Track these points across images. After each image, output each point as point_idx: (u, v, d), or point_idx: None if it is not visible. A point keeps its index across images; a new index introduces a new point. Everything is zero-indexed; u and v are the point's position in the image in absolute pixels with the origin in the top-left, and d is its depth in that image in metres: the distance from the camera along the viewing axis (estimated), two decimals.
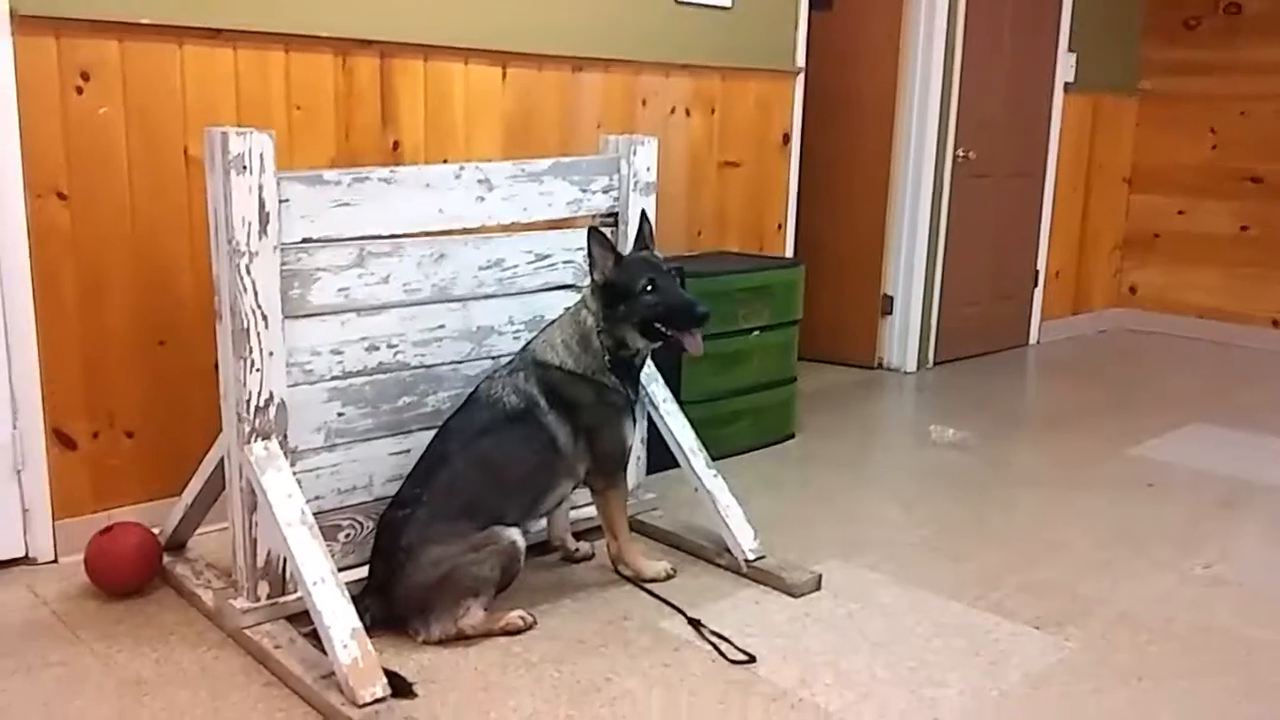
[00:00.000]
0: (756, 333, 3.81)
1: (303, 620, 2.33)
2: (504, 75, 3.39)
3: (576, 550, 2.89)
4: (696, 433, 2.94)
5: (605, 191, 2.89)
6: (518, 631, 2.45)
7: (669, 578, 2.76)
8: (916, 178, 5.02)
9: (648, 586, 2.71)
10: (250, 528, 2.37)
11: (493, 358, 2.74)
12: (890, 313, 5.16)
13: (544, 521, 2.80)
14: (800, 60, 4.33)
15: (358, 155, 3.08)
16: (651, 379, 2.92)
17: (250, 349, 2.29)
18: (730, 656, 2.39)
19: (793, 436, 4.05)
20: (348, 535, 2.57)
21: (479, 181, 2.63)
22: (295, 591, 2.41)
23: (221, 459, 2.46)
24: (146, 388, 2.86)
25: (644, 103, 3.80)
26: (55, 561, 2.76)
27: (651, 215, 2.83)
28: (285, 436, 2.38)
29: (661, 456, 3.06)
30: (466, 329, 2.69)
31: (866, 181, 5.10)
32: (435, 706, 2.15)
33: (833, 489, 3.55)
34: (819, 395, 4.62)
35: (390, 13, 3.09)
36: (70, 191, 2.66)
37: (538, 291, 2.81)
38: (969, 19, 5.00)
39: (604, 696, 2.22)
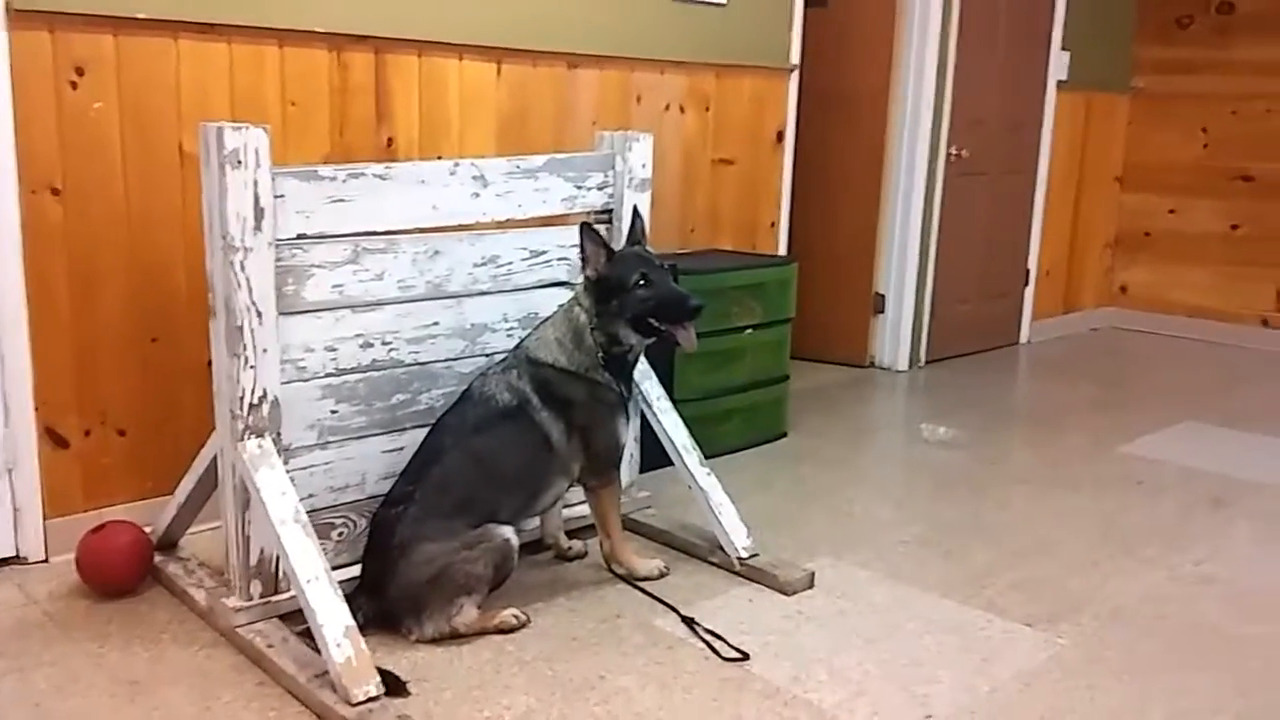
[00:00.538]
0: (749, 331, 3.81)
1: (295, 619, 2.33)
2: (498, 71, 3.39)
3: (569, 549, 2.89)
4: (689, 431, 2.94)
5: (600, 188, 2.89)
6: (511, 630, 2.45)
7: (662, 576, 2.76)
8: (909, 176, 5.02)
9: (641, 585, 2.71)
10: (243, 526, 2.37)
11: (487, 355, 2.73)
12: (882, 311, 5.17)
13: (537, 520, 2.80)
14: (794, 58, 4.33)
15: (352, 151, 3.07)
16: (644, 376, 2.92)
17: (244, 346, 2.28)
18: (724, 654, 2.39)
19: (785, 435, 4.05)
20: (341, 534, 2.57)
21: (474, 178, 2.63)
22: (288, 590, 2.41)
23: (214, 457, 2.45)
24: (139, 385, 2.85)
25: (638, 99, 3.80)
26: (46, 561, 2.75)
27: (646, 212, 2.83)
28: (279, 434, 2.37)
29: (654, 455, 3.06)
30: (460, 326, 2.69)
31: (859, 180, 5.11)
32: (429, 705, 2.15)
33: (825, 487, 3.56)
34: (811, 394, 4.62)
35: (384, 8, 3.08)
36: (64, 187, 2.65)
37: (532, 288, 2.81)
38: (962, 17, 5.01)
39: (598, 694, 2.22)
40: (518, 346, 2.66)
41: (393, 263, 2.54)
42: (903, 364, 5.18)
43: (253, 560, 2.39)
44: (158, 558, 2.67)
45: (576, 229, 2.57)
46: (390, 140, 3.17)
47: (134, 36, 2.69)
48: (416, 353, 2.62)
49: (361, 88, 3.09)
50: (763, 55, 4.21)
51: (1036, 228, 5.85)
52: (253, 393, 2.31)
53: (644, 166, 2.95)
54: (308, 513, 2.29)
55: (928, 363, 5.31)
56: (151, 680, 2.23)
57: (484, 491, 2.48)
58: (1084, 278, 6.30)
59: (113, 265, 2.75)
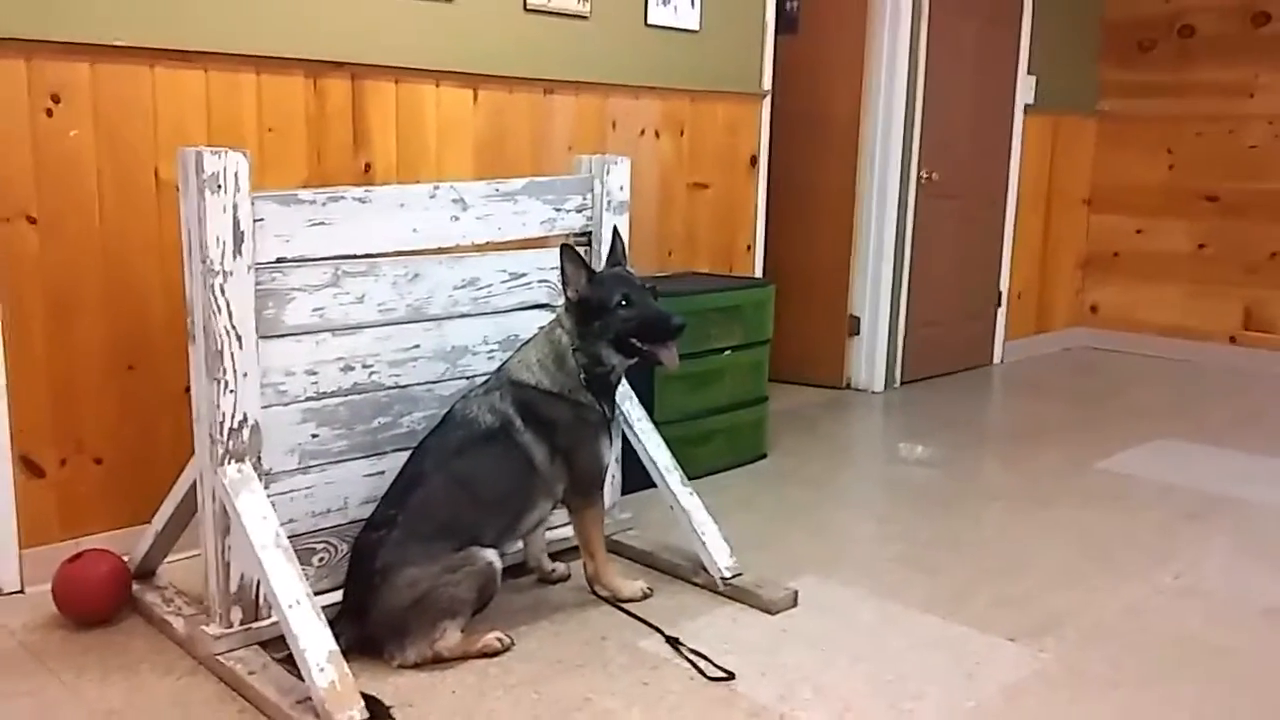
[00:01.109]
0: (728, 352, 3.83)
1: (276, 646, 2.30)
2: (475, 97, 3.40)
3: (553, 571, 2.88)
4: (671, 451, 2.94)
5: (579, 210, 2.90)
6: (495, 653, 2.44)
7: (646, 597, 2.75)
8: (881, 199, 5.08)
9: (625, 606, 2.70)
10: (223, 551, 2.34)
11: (468, 378, 2.73)
12: (857, 333, 5.20)
13: (520, 543, 2.78)
14: (767, 83, 4.38)
15: (329, 177, 3.07)
16: (626, 398, 2.92)
17: (224, 370, 2.27)
18: (709, 674, 2.38)
19: (765, 456, 4.06)
20: (322, 559, 2.55)
21: (453, 201, 2.63)
22: (269, 616, 2.38)
23: (193, 483, 2.43)
24: (115, 413, 2.82)
25: (614, 125, 3.82)
26: (22, 591, 2.71)
27: (624, 234, 2.84)
28: (259, 458, 2.35)
29: (636, 477, 3.06)
30: (441, 349, 2.68)
31: (832, 203, 5.15)
32: None
33: (806, 507, 3.56)
34: (789, 415, 4.64)
35: (361, 35, 3.10)
36: (39, 215, 2.63)
37: (512, 311, 2.81)
38: (931, 43, 5.09)
39: (583, 716, 2.21)
40: (499, 369, 2.65)
41: (373, 286, 2.53)
42: (879, 385, 5.21)
43: (233, 586, 2.36)
44: (135, 586, 2.64)
45: (556, 251, 2.58)
46: (368, 166, 3.17)
47: (110, 64, 2.68)
48: (397, 376, 2.61)
49: (339, 114, 3.09)
50: (736, 81, 4.25)
51: (1007, 249, 5.92)
52: (233, 417, 2.30)
53: (622, 189, 2.97)
54: (289, 538, 2.27)
55: (903, 383, 5.34)
56: (130, 710, 2.19)
57: (467, 514, 2.47)
58: (1055, 298, 6.37)
59: (89, 293, 2.73)
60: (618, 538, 3.03)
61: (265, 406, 2.37)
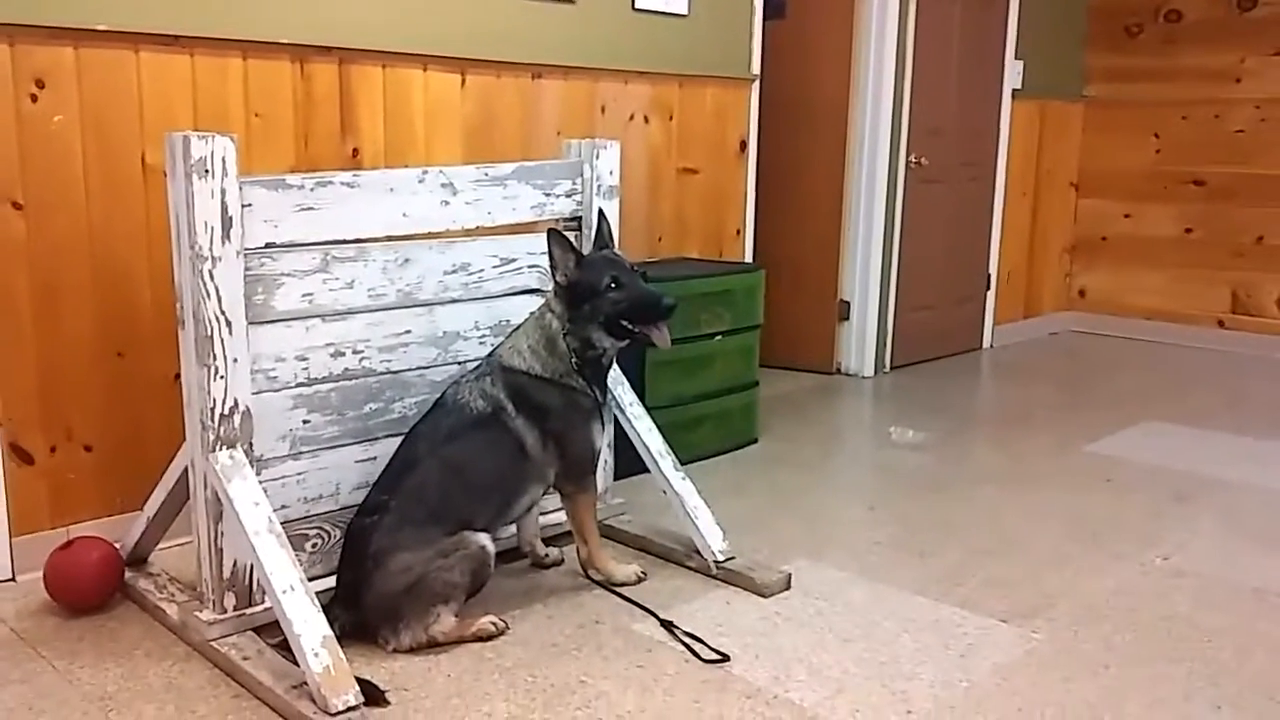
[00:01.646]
0: (719, 337, 3.83)
1: (271, 631, 2.30)
2: (463, 82, 3.39)
3: (546, 556, 2.88)
4: (663, 436, 2.94)
5: (568, 195, 2.89)
6: (489, 637, 2.44)
7: (639, 581, 2.75)
8: (870, 184, 5.08)
9: (619, 590, 2.71)
10: (216, 538, 2.34)
11: (459, 363, 2.73)
12: (847, 318, 5.21)
13: (513, 528, 2.78)
14: (755, 68, 4.37)
15: (317, 163, 3.06)
16: (617, 383, 2.92)
17: (214, 356, 2.26)
18: (704, 656, 2.39)
19: (756, 441, 4.07)
20: (315, 545, 2.54)
21: (443, 185, 2.62)
22: (262, 602, 2.38)
23: (185, 469, 2.42)
24: (105, 400, 2.81)
25: (603, 109, 3.81)
26: (13, 579, 2.70)
27: (614, 219, 2.83)
28: (250, 445, 2.35)
29: (628, 461, 3.06)
30: (432, 334, 2.68)
31: (821, 188, 5.15)
32: (409, 714, 2.13)
33: (798, 491, 3.57)
34: (779, 400, 4.65)
35: (348, 19, 3.08)
36: (25, 201, 2.61)
37: (503, 296, 2.81)
38: (919, 28, 5.08)
39: (579, 699, 2.21)
40: (490, 354, 2.65)
41: (363, 271, 2.52)
42: (868, 370, 5.22)
43: (226, 573, 2.35)
44: (128, 574, 2.63)
45: (545, 235, 2.57)
46: (356, 151, 3.16)
47: (95, 48, 2.66)
48: (388, 361, 2.60)
49: (326, 99, 3.08)
50: (724, 65, 4.24)
51: (996, 234, 5.93)
52: (223, 403, 2.29)
53: (612, 174, 2.96)
54: (281, 524, 2.27)
55: (893, 368, 5.35)
56: (125, 696, 2.19)
57: (459, 499, 2.47)
58: (1043, 282, 6.39)
59: (76, 279, 2.72)
60: (610, 522, 3.03)
61: (256, 392, 2.36)
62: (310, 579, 2.29)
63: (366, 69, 3.15)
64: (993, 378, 5.52)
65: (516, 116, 3.55)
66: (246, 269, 2.30)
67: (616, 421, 2.96)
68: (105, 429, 2.82)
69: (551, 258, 2.54)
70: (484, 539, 2.45)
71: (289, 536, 2.28)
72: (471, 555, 2.41)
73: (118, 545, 2.64)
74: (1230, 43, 5.82)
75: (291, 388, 2.44)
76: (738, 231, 4.45)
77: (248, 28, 2.88)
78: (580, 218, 2.93)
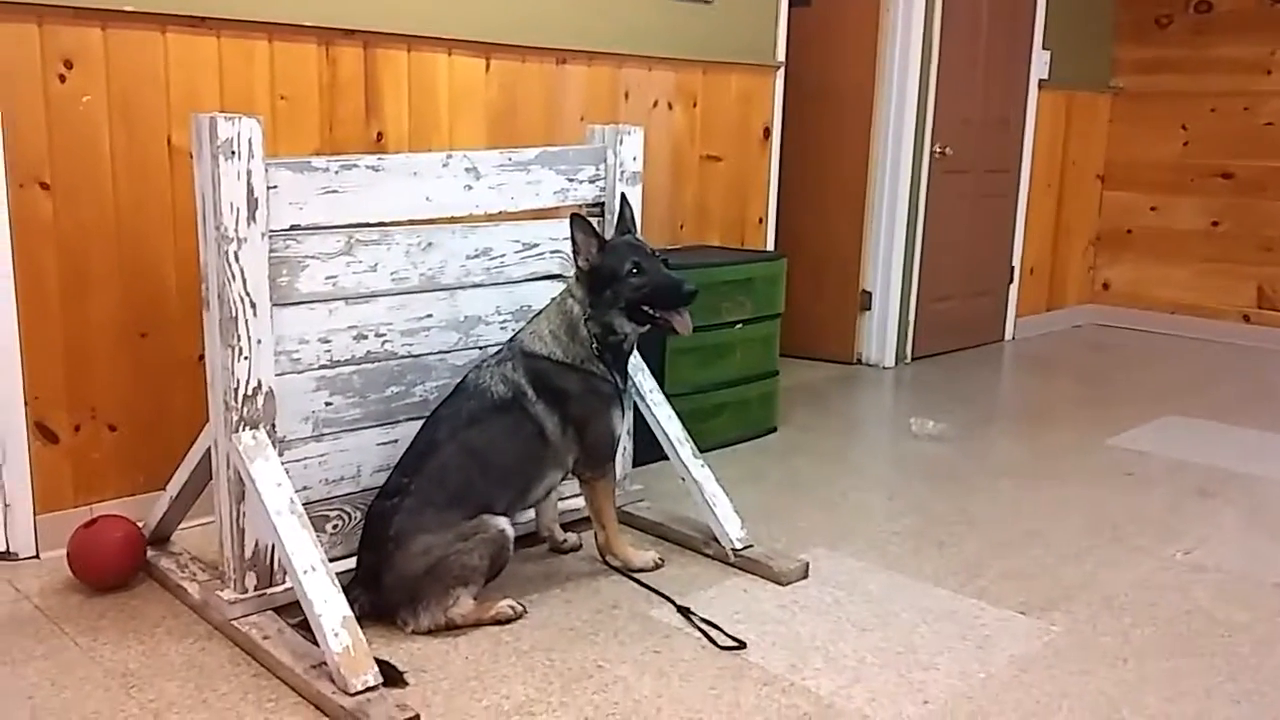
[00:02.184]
0: (739, 326, 3.82)
1: (291, 611, 2.32)
2: (488, 66, 3.39)
3: (564, 541, 2.88)
4: (682, 423, 2.94)
5: (592, 181, 2.89)
6: (507, 621, 2.45)
7: (657, 567, 2.76)
8: (894, 173, 5.05)
9: (636, 576, 2.71)
10: (238, 518, 2.35)
11: (480, 347, 2.73)
12: (869, 308, 5.19)
13: (532, 512, 2.79)
14: (780, 55, 4.35)
15: (341, 146, 3.07)
16: (638, 369, 2.92)
17: (238, 337, 2.27)
18: (720, 643, 2.39)
19: (775, 430, 4.06)
20: (335, 526, 2.56)
21: (466, 170, 2.62)
22: (283, 582, 2.40)
23: (208, 450, 2.44)
24: (129, 380, 2.83)
25: (626, 95, 3.80)
26: (37, 557, 2.73)
27: (636, 206, 2.83)
28: (273, 426, 2.36)
29: (646, 448, 3.07)
30: (454, 318, 2.68)
31: (845, 177, 5.13)
32: (427, 695, 2.15)
33: (816, 480, 3.57)
34: (799, 390, 4.64)
35: (374, 3, 3.08)
36: (53, 181, 2.63)
37: (525, 281, 2.81)
38: (945, 16, 5.05)
39: (595, 683, 2.22)
40: (512, 339, 2.65)
41: (386, 254, 2.53)
42: (889, 360, 5.20)
43: (248, 552, 2.37)
44: (150, 553, 2.66)
45: (568, 221, 2.57)
46: (380, 135, 3.16)
47: (122, 29, 2.67)
48: (410, 345, 2.61)
49: (351, 82, 3.08)
50: (749, 52, 4.22)
51: (1020, 225, 5.89)
52: (247, 384, 2.30)
53: (635, 160, 2.95)
54: (303, 505, 2.28)
55: (914, 359, 5.33)
56: (146, 673, 2.21)
57: (479, 483, 2.47)
58: (1067, 275, 6.34)
59: (102, 260, 2.74)
60: (629, 509, 3.03)
61: (279, 374, 2.37)
62: (331, 560, 2.30)
63: (391, 53, 3.15)
64: (1014, 370, 5.49)
65: (540, 101, 3.55)
66: (271, 251, 2.31)
67: (636, 408, 2.96)
68: (129, 409, 2.84)
69: (574, 243, 2.54)
70: (503, 523, 2.46)
71: (310, 518, 2.29)
72: (491, 539, 2.42)
73: (140, 524, 2.67)
74: (1260, 34, 5.75)
75: (314, 370, 2.45)
76: (760, 220, 4.43)
77: (274, 10, 2.88)
78: (603, 203, 2.93)
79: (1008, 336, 5.97)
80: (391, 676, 2.14)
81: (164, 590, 2.58)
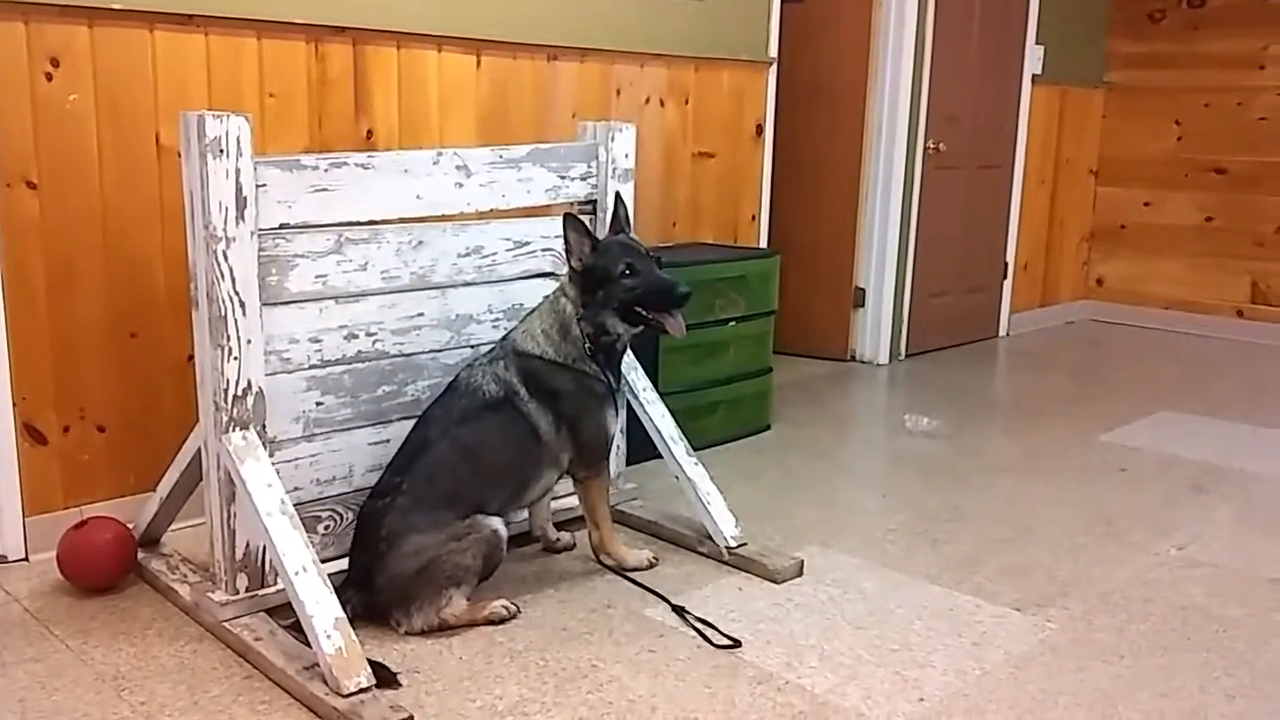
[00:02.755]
0: (733, 323, 3.81)
1: (283, 613, 2.31)
2: (478, 63, 3.37)
3: (558, 540, 2.87)
4: (676, 421, 2.93)
5: (584, 178, 2.88)
6: (501, 621, 2.44)
7: (651, 566, 2.75)
8: (887, 170, 5.04)
9: (630, 575, 2.70)
10: (229, 519, 2.34)
11: (472, 346, 2.72)
12: (862, 305, 5.18)
13: (525, 512, 2.78)
14: (773, 51, 4.34)
15: (331, 144, 3.05)
16: (631, 368, 2.91)
17: (228, 337, 2.26)
18: (715, 642, 2.38)
19: (769, 427, 4.05)
20: (327, 527, 2.54)
21: (457, 168, 2.61)
22: (275, 584, 2.38)
23: (198, 450, 2.42)
24: (118, 381, 2.81)
25: (618, 92, 3.79)
26: (26, 559, 2.71)
27: (629, 203, 2.82)
28: (264, 426, 2.35)
29: (640, 447, 3.06)
30: (445, 317, 2.67)
31: (838, 174, 5.12)
32: (420, 696, 2.13)
33: (811, 478, 3.56)
34: (793, 387, 4.63)
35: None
36: (39, 180, 2.61)
37: (516, 279, 2.80)
38: (938, 12, 5.04)
39: (590, 683, 2.21)
40: (504, 338, 2.64)
41: (376, 253, 2.51)
42: (883, 357, 5.20)
43: (238, 554, 2.36)
44: (140, 554, 2.64)
45: (560, 219, 2.55)
46: (370, 132, 3.15)
47: (109, 27, 2.65)
48: (401, 344, 2.60)
49: (340, 80, 3.06)
50: (741, 48, 4.21)
51: (1014, 221, 5.89)
52: (237, 384, 2.28)
53: (627, 157, 2.94)
54: (294, 506, 2.27)
55: (908, 356, 5.33)
56: (137, 675, 2.20)
57: (472, 483, 2.46)
58: (1061, 271, 6.34)
59: (90, 259, 2.72)
60: (623, 508, 3.02)
61: (269, 374, 2.36)
62: (323, 561, 2.29)
63: (381, 50, 3.13)
64: (1008, 366, 5.49)
65: (531, 98, 3.54)
66: (260, 250, 2.30)
67: (629, 407, 2.95)
68: (118, 410, 2.82)
69: (567, 242, 2.53)
70: (496, 523, 2.45)
71: (302, 518, 2.27)
72: (484, 539, 2.41)
73: (131, 526, 2.65)
74: (1254, 29, 5.75)
75: (305, 369, 2.44)
76: (753, 217, 4.42)
77: (262, 7, 2.86)
78: (595, 201, 2.92)
79: (1001, 332, 5.97)
80: (384, 677, 2.13)
81: (155, 592, 2.56)
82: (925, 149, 5.16)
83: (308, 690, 2.07)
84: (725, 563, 2.78)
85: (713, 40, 4.07)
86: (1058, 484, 3.53)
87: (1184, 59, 5.98)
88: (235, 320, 2.26)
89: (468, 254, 2.69)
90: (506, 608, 2.46)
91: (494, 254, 2.74)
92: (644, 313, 2.53)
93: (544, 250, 2.83)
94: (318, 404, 2.47)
